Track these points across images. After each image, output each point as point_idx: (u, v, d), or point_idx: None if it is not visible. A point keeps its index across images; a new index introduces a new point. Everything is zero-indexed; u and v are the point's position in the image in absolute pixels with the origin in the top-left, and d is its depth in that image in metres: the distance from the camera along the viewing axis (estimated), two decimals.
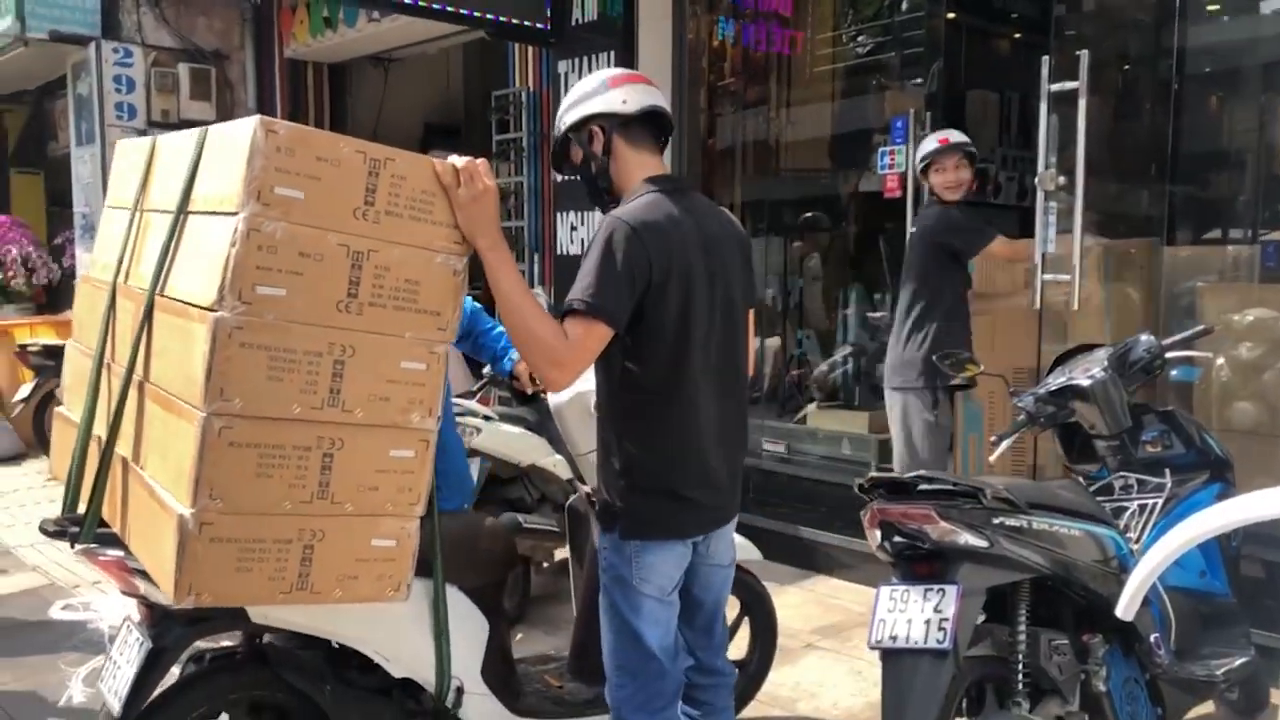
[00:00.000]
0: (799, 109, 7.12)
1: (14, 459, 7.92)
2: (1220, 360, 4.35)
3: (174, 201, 2.04)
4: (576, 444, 3.22)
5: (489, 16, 6.12)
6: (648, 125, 2.38)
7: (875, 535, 2.62)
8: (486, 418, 4.39)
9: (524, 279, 2.13)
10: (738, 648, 3.47)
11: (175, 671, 2.38)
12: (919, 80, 6.06)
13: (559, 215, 6.39)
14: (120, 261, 2.27)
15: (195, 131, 2.07)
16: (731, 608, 3.49)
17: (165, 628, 2.24)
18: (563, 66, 6.21)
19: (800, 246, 7.08)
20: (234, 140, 1.89)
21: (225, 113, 8.76)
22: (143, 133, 8.73)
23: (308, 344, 1.88)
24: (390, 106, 9.50)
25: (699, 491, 2.31)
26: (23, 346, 7.65)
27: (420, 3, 5.90)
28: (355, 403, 1.94)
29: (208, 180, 1.97)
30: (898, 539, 2.56)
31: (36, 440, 7.68)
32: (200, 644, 2.42)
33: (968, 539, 2.47)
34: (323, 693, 2.42)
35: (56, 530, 2.26)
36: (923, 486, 2.56)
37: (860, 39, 6.81)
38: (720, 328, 2.32)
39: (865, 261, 6.58)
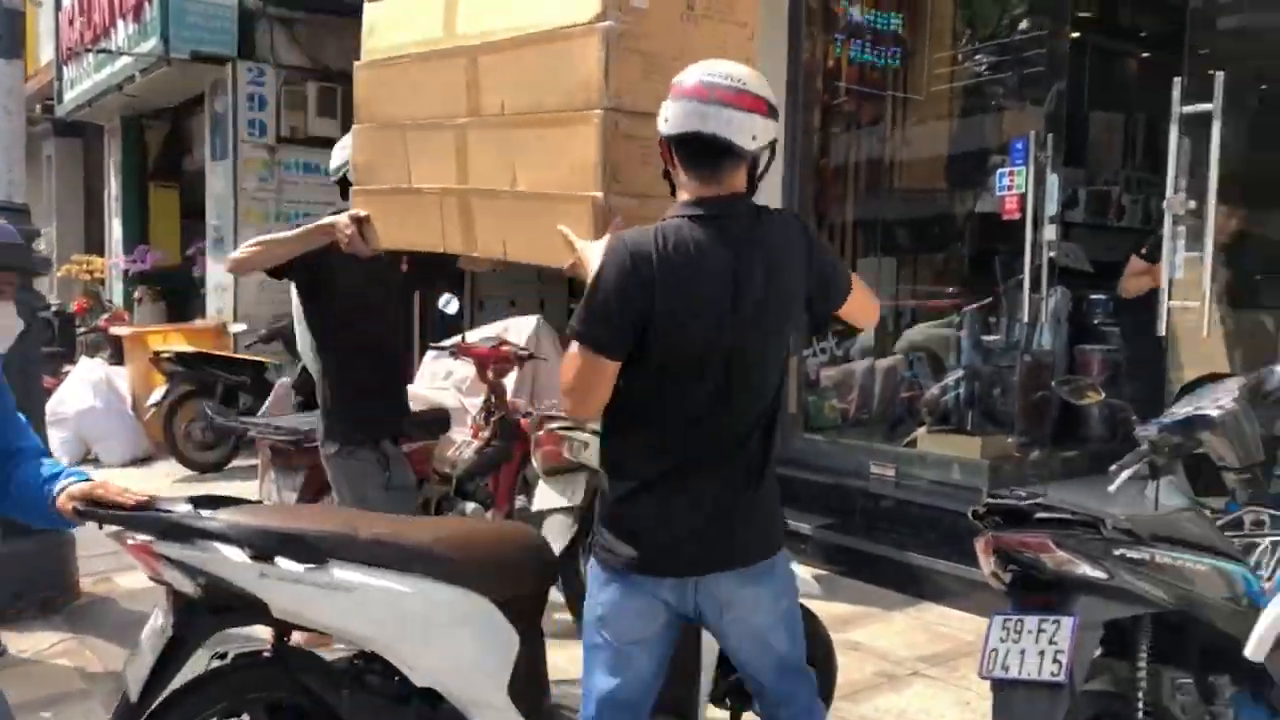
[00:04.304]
0: (914, 128, 7.04)
1: (144, 460, 8.07)
2: None
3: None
4: None
5: None
6: (695, 148, 2.05)
7: (989, 563, 2.57)
8: (595, 433, 4.30)
9: None
10: None
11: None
12: (1039, 101, 5.93)
13: None
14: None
15: None
16: None
17: (187, 618, 2.25)
18: None
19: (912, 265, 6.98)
20: None
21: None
22: (271, 149, 9.12)
23: (665, 47, 2.32)
24: None
25: (669, 528, 2.11)
26: (157, 353, 7.85)
27: None
28: None
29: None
30: (1012, 567, 2.51)
31: (166, 443, 7.72)
32: (228, 641, 2.39)
33: (1086, 570, 2.41)
34: (339, 698, 2.38)
35: (84, 511, 2.20)
36: (1040, 515, 2.50)
37: (978, 58, 6.69)
38: (733, 367, 2.09)
39: (980, 283, 6.44)
